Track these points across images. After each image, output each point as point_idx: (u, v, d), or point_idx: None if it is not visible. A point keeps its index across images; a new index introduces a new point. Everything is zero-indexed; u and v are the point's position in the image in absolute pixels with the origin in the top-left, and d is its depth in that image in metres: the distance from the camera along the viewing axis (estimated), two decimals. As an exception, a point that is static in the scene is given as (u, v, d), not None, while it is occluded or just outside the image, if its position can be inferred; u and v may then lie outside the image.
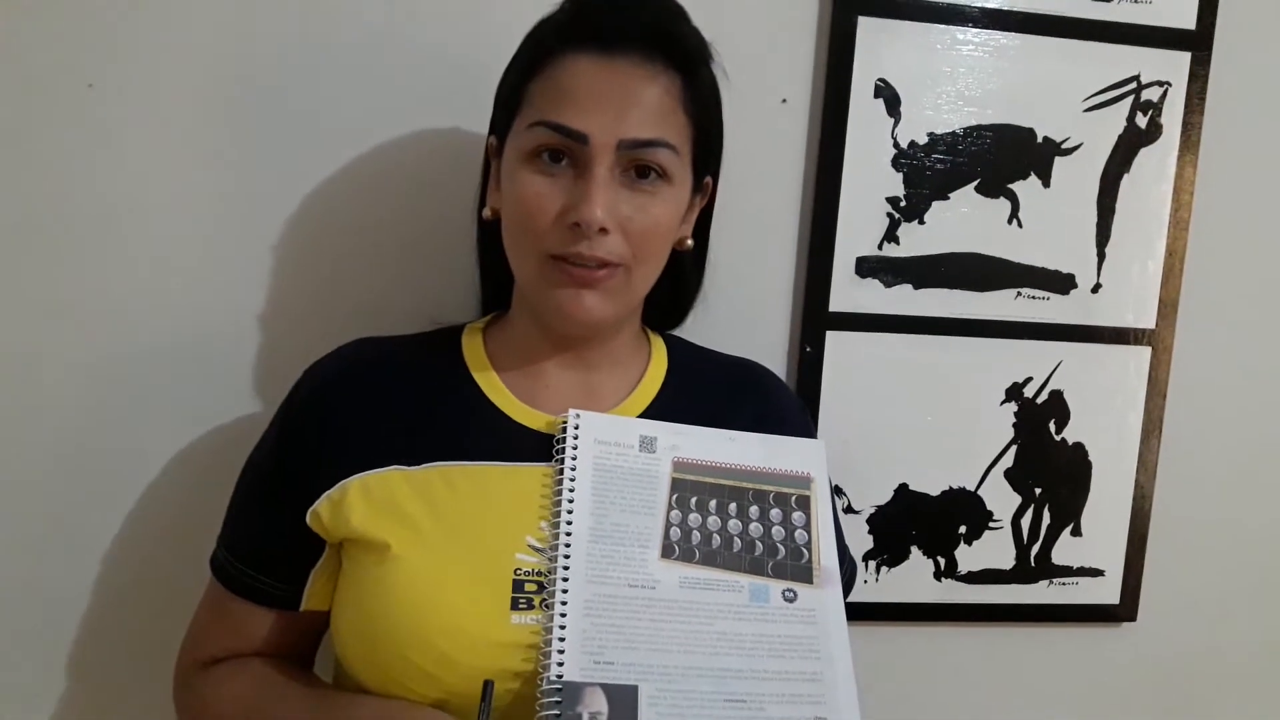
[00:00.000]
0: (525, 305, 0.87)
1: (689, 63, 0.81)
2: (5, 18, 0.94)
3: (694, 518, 0.81)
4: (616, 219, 0.77)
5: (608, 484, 0.81)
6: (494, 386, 0.85)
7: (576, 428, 0.82)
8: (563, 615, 0.74)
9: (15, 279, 0.97)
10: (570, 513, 0.79)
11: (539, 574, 0.77)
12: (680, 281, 0.93)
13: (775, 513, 0.83)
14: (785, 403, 0.95)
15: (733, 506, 0.83)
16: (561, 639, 0.73)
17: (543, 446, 0.83)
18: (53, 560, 1.02)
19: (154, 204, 0.99)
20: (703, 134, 0.84)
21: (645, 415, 0.87)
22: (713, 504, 0.82)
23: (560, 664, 0.72)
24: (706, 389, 0.91)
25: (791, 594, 0.80)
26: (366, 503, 0.79)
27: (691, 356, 0.94)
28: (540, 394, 0.86)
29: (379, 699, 0.76)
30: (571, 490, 0.80)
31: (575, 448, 0.81)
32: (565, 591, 0.75)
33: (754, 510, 0.83)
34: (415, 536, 0.77)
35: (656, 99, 0.79)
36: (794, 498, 0.84)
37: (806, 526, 0.83)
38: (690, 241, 0.88)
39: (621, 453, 0.82)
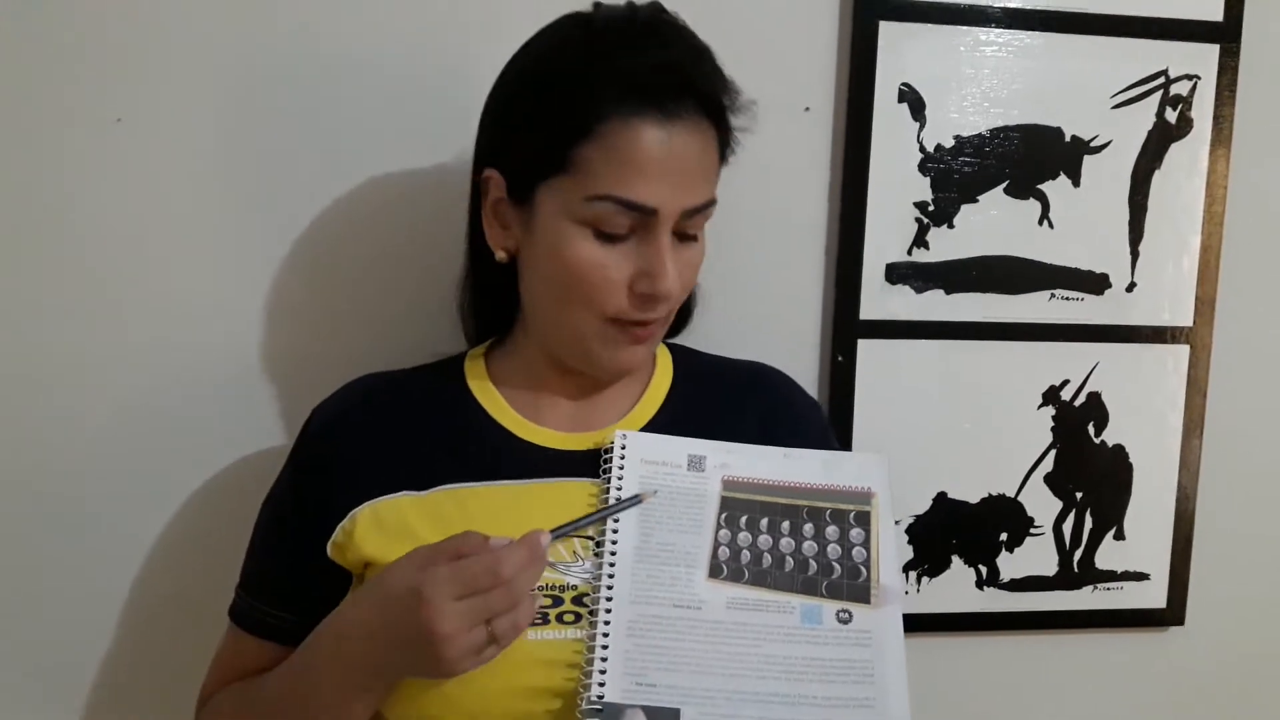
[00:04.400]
0: (533, 335, 0.86)
1: (727, 117, 0.81)
2: (35, 53, 0.95)
3: (744, 536, 0.79)
4: (680, 282, 0.79)
5: (655, 504, 0.80)
6: (499, 407, 0.86)
7: (624, 448, 0.82)
8: (605, 635, 0.74)
9: (40, 311, 0.98)
10: (615, 532, 0.78)
11: (554, 588, 0.77)
12: None
13: (831, 530, 0.81)
14: (796, 402, 0.94)
15: (785, 525, 0.80)
16: (604, 659, 0.73)
17: (551, 463, 0.83)
18: (66, 592, 1.02)
19: (181, 238, 0.99)
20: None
21: (653, 423, 0.86)
22: (764, 522, 0.80)
23: (602, 684, 0.72)
24: (713, 394, 0.91)
25: (846, 615, 0.77)
26: (378, 529, 0.79)
27: (697, 363, 0.94)
28: (545, 410, 0.86)
29: (331, 615, 0.75)
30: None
31: (622, 468, 0.80)
32: (609, 611, 0.75)
33: (808, 528, 0.80)
34: None
35: (708, 159, 0.79)
36: (852, 514, 0.82)
37: (865, 544, 0.80)
38: None
39: (669, 472, 0.81)
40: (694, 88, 0.77)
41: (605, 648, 0.73)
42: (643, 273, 0.77)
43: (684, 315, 0.96)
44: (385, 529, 0.79)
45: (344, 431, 0.84)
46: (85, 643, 1.03)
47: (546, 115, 0.77)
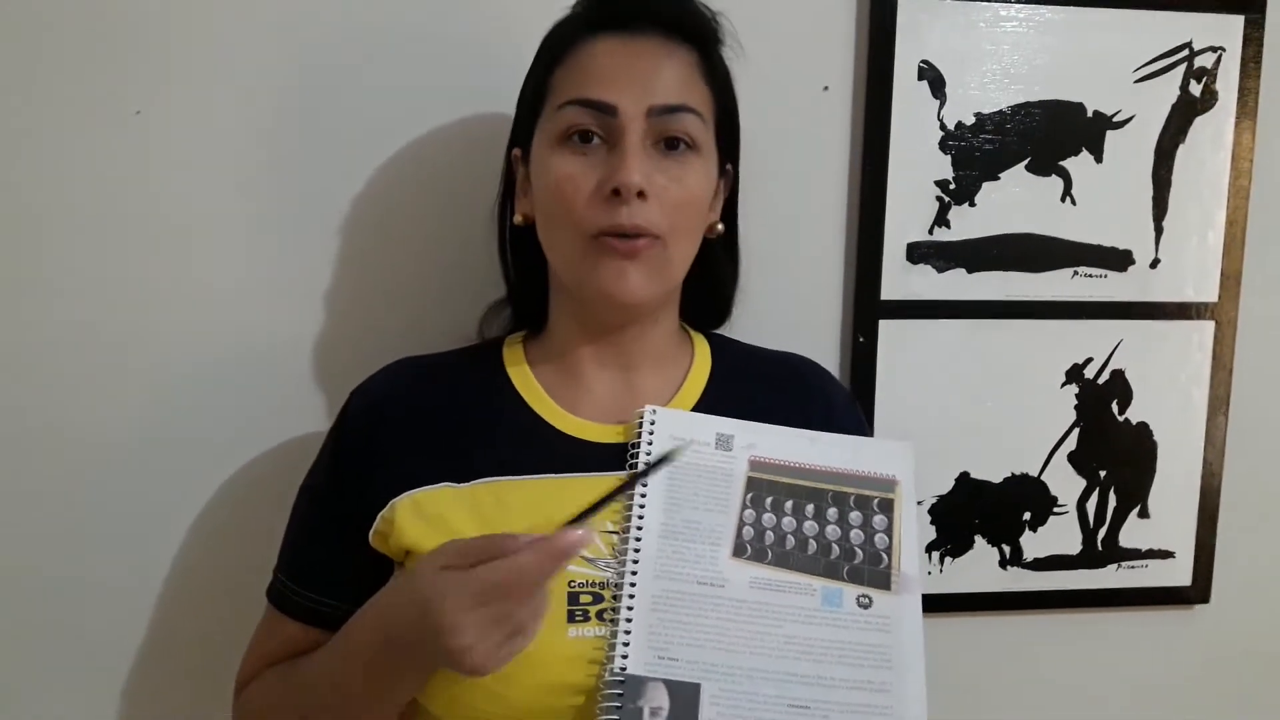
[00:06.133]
0: (564, 304, 0.87)
1: (705, 39, 0.84)
2: (53, 45, 0.95)
3: (768, 518, 0.80)
4: (653, 187, 0.78)
5: (681, 481, 0.80)
6: (538, 398, 0.85)
7: (653, 422, 0.82)
8: (629, 609, 0.74)
9: (62, 303, 0.98)
10: (643, 508, 0.78)
11: (595, 585, 0.77)
12: (715, 273, 0.93)
13: (855, 515, 0.81)
14: (833, 396, 0.93)
15: (810, 508, 0.81)
16: (628, 632, 0.73)
17: (589, 457, 0.82)
18: (100, 579, 1.03)
19: (201, 229, 0.99)
20: (723, 110, 0.86)
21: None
22: (789, 504, 0.80)
23: (625, 657, 0.72)
24: (751, 386, 0.90)
25: (867, 600, 0.78)
26: (419, 519, 0.79)
27: (736, 354, 0.93)
28: (582, 399, 0.86)
29: (371, 601, 0.75)
30: (644, 486, 0.79)
31: (650, 443, 0.81)
32: (634, 585, 0.75)
33: (832, 512, 0.81)
34: None
35: (679, 70, 0.81)
36: (876, 500, 0.82)
37: (888, 530, 0.81)
38: (720, 227, 0.89)
39: (697, 450, 0.81)
40: (655, 6, 0.82)
41: (630, 621, 0.74)
42: (610, 173, 0.78)
43: (723, 303, 0.96)
44: (425, 519, 0.79)
45: (383, 417, 0.84)
46: (123, 627, 1.04)
47: (536, 69, 0.85)
